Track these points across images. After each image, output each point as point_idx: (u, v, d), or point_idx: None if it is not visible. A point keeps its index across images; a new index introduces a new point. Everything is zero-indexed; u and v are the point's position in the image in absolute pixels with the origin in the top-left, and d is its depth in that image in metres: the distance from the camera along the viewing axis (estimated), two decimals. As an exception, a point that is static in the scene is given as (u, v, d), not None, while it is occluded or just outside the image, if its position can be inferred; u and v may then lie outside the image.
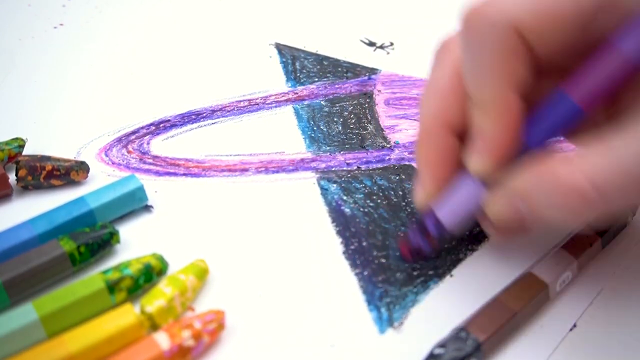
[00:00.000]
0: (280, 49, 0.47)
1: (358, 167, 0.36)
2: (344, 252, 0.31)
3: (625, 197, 0.24)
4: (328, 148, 0.38)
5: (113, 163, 0.37)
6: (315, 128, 0.39)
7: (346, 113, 0.41)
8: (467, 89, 0.26)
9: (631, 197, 0.24)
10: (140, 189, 0.33)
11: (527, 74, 0.25)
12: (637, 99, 0.25)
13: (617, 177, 0.23)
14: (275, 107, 0.41)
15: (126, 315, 0.26)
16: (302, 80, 0.44)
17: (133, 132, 0.39)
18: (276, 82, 0.43)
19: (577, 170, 0.24)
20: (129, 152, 0.37)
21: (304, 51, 0.47)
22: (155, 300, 0.27)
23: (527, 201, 0.25)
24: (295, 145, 0.38)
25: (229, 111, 0.41)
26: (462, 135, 0.28)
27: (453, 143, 0.28)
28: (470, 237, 0.32)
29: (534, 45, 0.25)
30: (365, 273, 0.30)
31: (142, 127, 0.39)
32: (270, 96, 0.42)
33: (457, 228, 0.29)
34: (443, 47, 0.29)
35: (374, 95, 0.42)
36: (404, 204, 0.34)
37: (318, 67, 0.45)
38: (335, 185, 0.35)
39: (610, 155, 0.23)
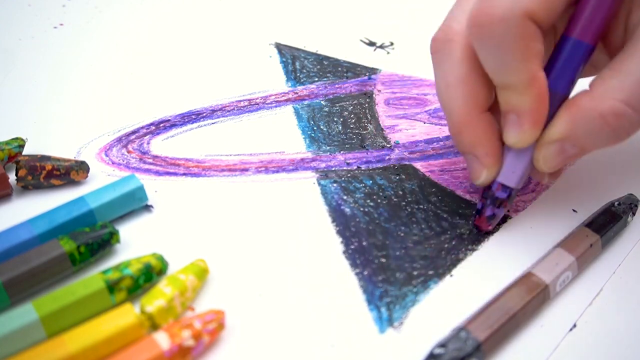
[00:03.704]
0: (280, 49, 0.47)
1: (358, 167, 0.36)
2: (344, 252, 0.31)
3: None
4: (328, 148, 0.38)
5: (113, 163, 0.36)
6: (315, 128, 0.39)
7: (346, 113, 0.41)
8: (494, 78, 0.29)
9: None
10: (140, 189, 0.33)
11: (542, 47, 0.28)
12: (625, 30, 0.29)
13: None
14: (275, 107, 0.41)
15: (126, 315, 0.26)
16: (302, 80, 0.44)
17: (133, 132, 0.39)
18: (276, 82, 0.43)
19: (608, 97, 0.27)
20: (129, 152, 0.37)
21: (304, 51, 0.47)
22: (155, 300, 0.27)
23: (573, 141, 0.29)
24: (295, 145, 0.38)
25: (229, 111, 0.41)
26: (490, 110, 0.31)
27: (492, 119, 0.31)
28: (470, 237, 0.32)
29: (543, 22, 0.28)
30: (365, 273, 0.30)
31: (142, 127, 0.39)
32: (270, 96, 0.42)
33: (521, 184, 0.31)
34: (441, 40, 0.31)
35: (374, 95, 0.42)
36: (404, 203, 0.34)
37: (318, 67, 0.45)
38: (335, 185, 0.35)
39: (628, 76, 0.27)
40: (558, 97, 0.29)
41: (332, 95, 0.42)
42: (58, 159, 0.34)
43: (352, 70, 0.45)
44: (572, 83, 0.30)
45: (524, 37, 0.27)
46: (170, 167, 0.36)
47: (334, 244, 0.32)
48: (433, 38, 0.32)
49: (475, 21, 0.28)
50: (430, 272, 0.30)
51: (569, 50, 0.29)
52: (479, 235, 0.32)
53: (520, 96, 0.28)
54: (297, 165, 0.37)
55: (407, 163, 0.37)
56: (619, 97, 0.27)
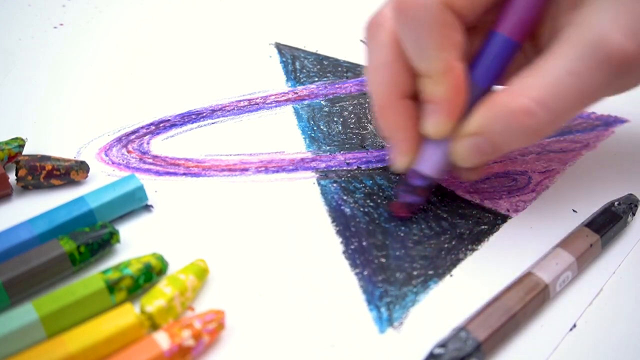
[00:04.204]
0: (280, 49, 0.47)
1: (358, 167, 0.36)
2: (344, 252, 0.31)
3: (566, 106, 0.28)
4: (328, 148, 0.38)
5: (113, 163, 0.37)
6: (315, 128, 0.39)
7: (346, 113, 0.41)
8: (413, 64, 0.29)
9: (571, 105, 0.28)
10: (140, 189, 0.33)
11: (463, 38, 0.29)
12: (552, 31, 0.29)
13: (554, 90, 0.27)
14: (275, 107, 0.41)
15: (126, 315, 0.26)
16: (302, 80, 0.44)
17: (133, 132, 0.39)
18: (276, 82, 0.43)
19: (521, 95, 0.28)
20: (128, 151, 0.37)
21: (304, 51, 0.47)
22: (155, 300, 0.27)
23: (486, 136, 0.29)
24: (295, 145, 0.38)
25: (229, 111, 0.41)
26: (413, 97, 0.31)
27: (412, 106, 0.31)
28: (470, 237, 0.32)
29: (464, 13, 0.28)
30: (365, 273, 0.30)
31: (142, 127, 0.39)
32: (270, 96, 0.42)
33: (440, 173, 0.32)
34: (372, 24, 0.32)
35: (374, 95, 0.42)
36: (404, 203, 0.34)
37: (318, 67, 0.45)
38: (335, 185, 0.35)
39: (544, 76, 0.28)
40: (479, 91, 0.29)
41: (332, 95, 0.42)
42: (58, 159, 0.34)
43: (352, 70, 0.45)
44: (494, 77, 0.30)
45: (442, 25, 0.28)
46: (170, 167, 0.36)
47: (334, 244, 0.32)
48: (367, 22, 0.32)
49: (397, 5, 0.28)
50: (430, 272, 0.30)
51: (492, 44, 0.29)
52: (479, 235, 0.32)
53: (435, 85, 0.29)
54: (297, 165, 0.37)
55: (407, 163, 0.37)
56: (532, 95, 0.27)
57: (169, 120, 0.40)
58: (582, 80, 0.27)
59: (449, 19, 0.28)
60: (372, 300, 0.29)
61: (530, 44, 0.31)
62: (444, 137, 0.30)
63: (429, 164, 0.31)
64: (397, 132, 0.31)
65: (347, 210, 0.34)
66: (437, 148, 0.31)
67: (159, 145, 0.38)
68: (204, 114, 0.40)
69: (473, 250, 0.32)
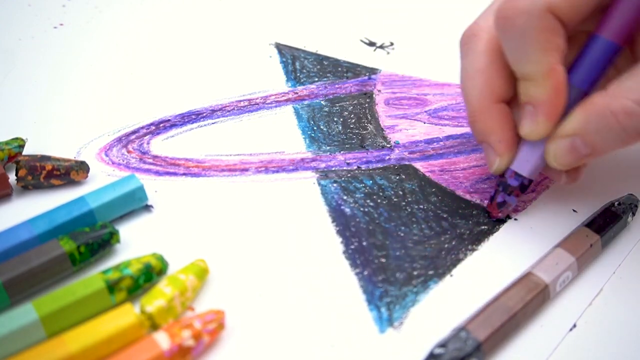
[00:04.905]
0: (280, 49, 0.47)
1: (358, 167, 0.36)
2: (344, 252, 0.31)
3: None
4: (328, 148, 0.38)
5: (113, 163, 0.36)
6: (315, 128, 0.39)
7: (346, 113, 0.41)
8: (514, 68, 0.30)
9: None
10: (140, 189, 0.33)
11: (564, 43, 0.29)
12: None
13: None
14: (275, 107, 0.41)
15: (126, 315, 0.26)
16: (302, 80, 0.44)
17: (133, 132, 0.39)
18: (276, 82, 0.43)
19: (623, 97, 0.28)
20: (129, 151, 0.37)
21: (304, 51, 0.47)
22: (155, 300, 0.27)
23: (584, 137, 0.29)
24: (295, 145, 0.38)
25: (229, 111, 0.41)
26: (506, 102, 0.32)
27: (506, 110, 0.32)
28: (470, 237, 0.32)
29: (565, 19, 0.29)
30: (365, 273, 0.30)
31: (142, 127, 0.39)
32: (270, 96, 0.42)
33: (534, 174, 0.32)
34: (468, 35, 0.33)
35: (374, 95, 0.42)
36: (404, 203, 0.34)
37: (318, 67, 0.45)
38: (335, 185, 0.35)
39: None
40: (578, 94, 0.30)
41: (332, 95, 0.42)
42: (58, 159, 0.34)
43: (352, 70, 0.45)
44: (594, 80, 0.30)
45: (545, 29, 0.28)
46: (170, 167, 0.36)
47: (334, 244, 0.32)
48: (463, 33, 0.33)
49: (501, 13, 0.29)
50: (430, 272, 0.30)
51: (593, 47, 0.30)
52: (479, 235, 0.32)
53: (536, 87, 0.29)
54: (297, 165, 0.37)
55: (407, 163, 0.37)
56: (632, 96, 0.28)
57: (169, 120, 0.40)
58: None
59: (552, 24, 0.28)
60: (372, 300, 0.29)
61: (623, 52, 0.31)
62: (541, 139, 0.30)
63: (524, 165, 0.32)
64: (494, 135, 0.32)
65: (347, 210, 0.34)
66: (534, 149, 0.31)
67: (159, 145, 0.38)
68: (204, 114, 0.40)
69: (473, 250, 0.32)
